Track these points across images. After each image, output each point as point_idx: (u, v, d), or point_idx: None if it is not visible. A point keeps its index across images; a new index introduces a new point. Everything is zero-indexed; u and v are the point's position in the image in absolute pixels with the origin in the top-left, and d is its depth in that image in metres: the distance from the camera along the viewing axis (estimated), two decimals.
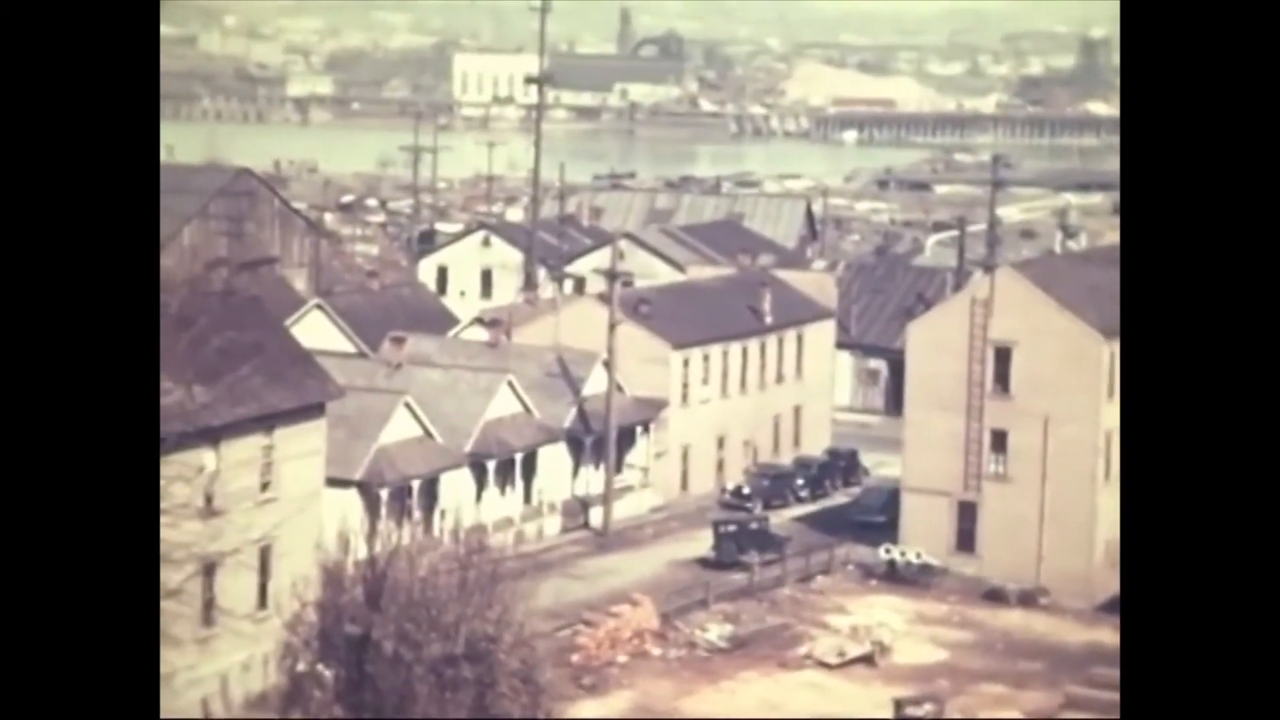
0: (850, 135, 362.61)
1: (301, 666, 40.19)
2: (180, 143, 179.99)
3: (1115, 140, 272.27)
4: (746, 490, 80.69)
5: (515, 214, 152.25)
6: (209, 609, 48.62)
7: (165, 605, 42.27)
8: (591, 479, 76.53)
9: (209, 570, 47.84)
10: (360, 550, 41.46)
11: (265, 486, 52.12)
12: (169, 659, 44.38)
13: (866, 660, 60.64)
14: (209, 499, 48.55)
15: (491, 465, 70.82)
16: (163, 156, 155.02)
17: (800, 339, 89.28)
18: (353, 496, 62.77)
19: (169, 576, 43.17)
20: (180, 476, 43.39)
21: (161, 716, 45.47)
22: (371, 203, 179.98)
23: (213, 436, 48.92)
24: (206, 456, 48.77)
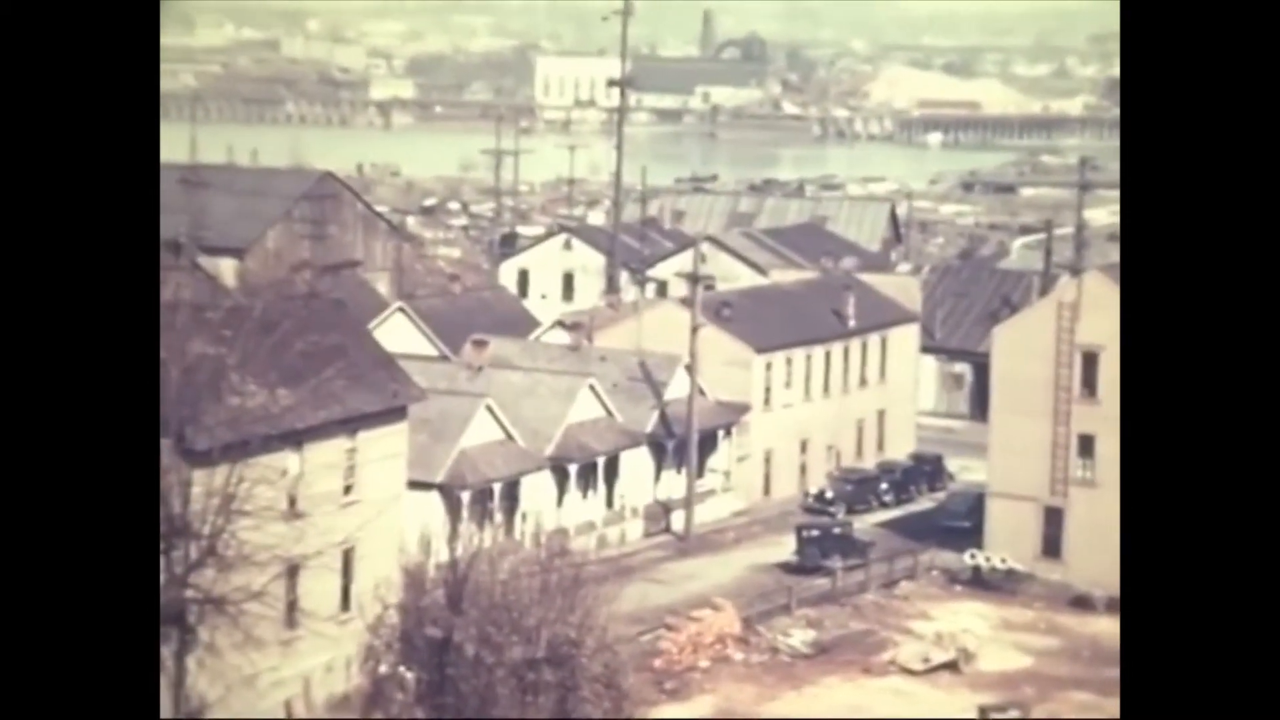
0: (935, 138, 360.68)
1: (383, 669, 40.27)
2: (264, 146, 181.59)
3: None
4: (829, 495, 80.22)
5: (596, 217, 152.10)
6: (292, 611, 48.71)
7: (249, 607, 42.51)
8: (673, 483, 76.28)
9: (292, 572, 47.96)
10: (442, 553, 41.44)
11: (348, 489, 52.19)
12: (253, 660, 44.61)
13: (951, 667, 60.09)
14: (292, 501, 48.66)
15: (573, 469, 70.69)
16: (246, 160, 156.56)
17: (884, 343, 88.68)
18: (434, 499, 62.80)
19: (253, 578, 43.32)
20: (264, 479, 43.53)
21: (244, 716, 45.79)
22: (453, 206, 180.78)
23: (296, 439, 49.05)
24: (290, 459, 48.89)
